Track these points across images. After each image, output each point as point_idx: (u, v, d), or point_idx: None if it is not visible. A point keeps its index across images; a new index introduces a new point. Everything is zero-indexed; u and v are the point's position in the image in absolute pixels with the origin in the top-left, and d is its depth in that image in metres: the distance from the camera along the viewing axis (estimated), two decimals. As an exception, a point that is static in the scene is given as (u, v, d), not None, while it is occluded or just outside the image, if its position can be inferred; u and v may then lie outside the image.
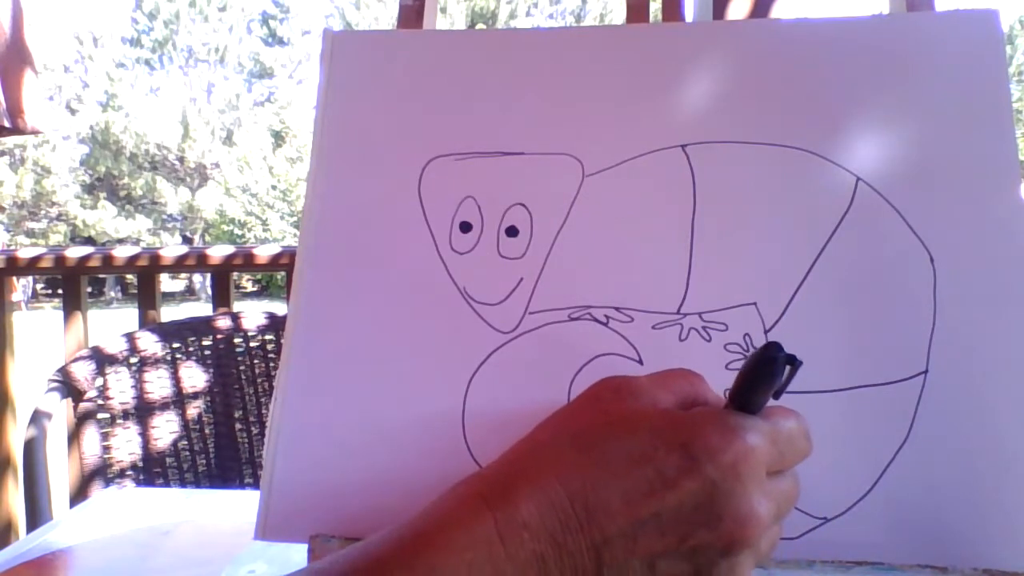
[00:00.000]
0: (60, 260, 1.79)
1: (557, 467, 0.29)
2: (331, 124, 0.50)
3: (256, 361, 1.22)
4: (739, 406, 0.31)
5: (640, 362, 0.44)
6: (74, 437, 1.14)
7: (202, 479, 1.14)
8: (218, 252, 1.80)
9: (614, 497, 0.28)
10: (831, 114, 0.46)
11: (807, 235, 0.44)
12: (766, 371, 0.29)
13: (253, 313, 1.24)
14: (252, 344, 1.22)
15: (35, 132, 1.58)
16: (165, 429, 1.10)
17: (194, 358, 1.15)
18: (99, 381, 1.03)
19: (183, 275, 20.98)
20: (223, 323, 1.21)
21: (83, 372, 1.01)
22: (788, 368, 0.30)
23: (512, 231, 0.46)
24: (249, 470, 1.19)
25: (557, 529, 0.28)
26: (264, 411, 1.21)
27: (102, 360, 1.04)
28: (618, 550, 0.28)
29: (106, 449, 1.02)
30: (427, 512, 0.29)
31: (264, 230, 21.79)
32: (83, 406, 1.01)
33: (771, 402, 0.32)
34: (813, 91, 0.46)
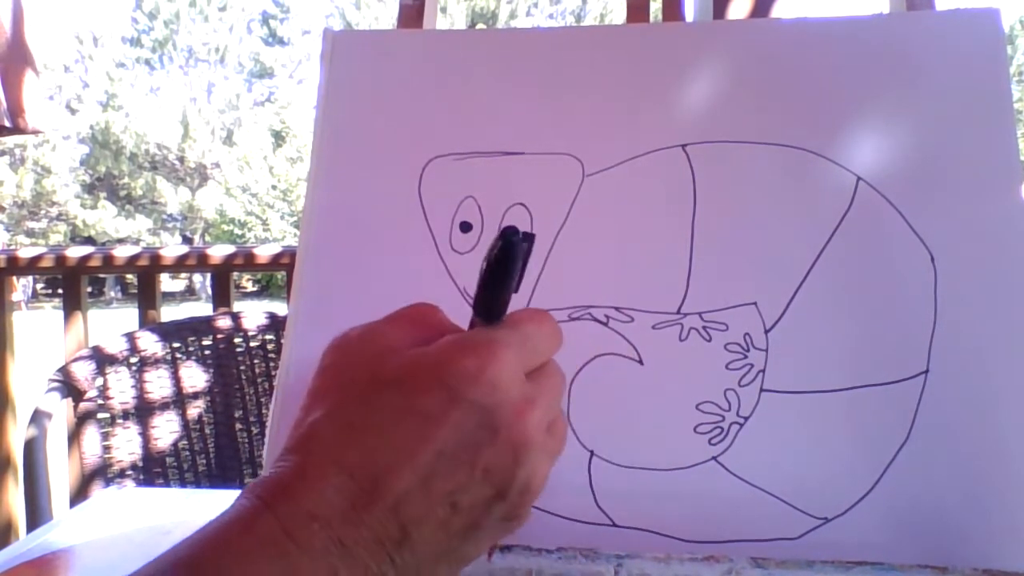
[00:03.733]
0: (60, 260, 1.79)
1: (328, 451, 0.28)
2: (331, 124, 0.50)
3: (256, 361, 1.22)
4: (483, 314, 0.31)
5: (640, 362, 0.44)
6: (74, 437, 1.14)
7: (202, 479, 1.14)
8: (218, 252, 1.80)
9: (393, 456, 0.28)
10: (831, 114, 0.46)
11: (807, 235, 0.44)
12: (510, 256, 0.29)
13: (253, 313, 1.24)
14: (252, 344, 1.22)
15: (35, 132, 1.58)
16: (165, 429, 1.10)
17: (194, 358, 1.15)
18: (99, 381, 1.03)
19: (183, 275, 20.98)
20: (223, 323, 1.21)
21: (83, 372, 1.01)
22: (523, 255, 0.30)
23: (512, 231, 0.46)
24: (249, 470, 1.19)
25: (348, 508, 0.27)
26: (264, 411, 1.21)
27: (102, 360, 1.04)
28: (415, 503, 0.28)
29: (106, 449, 1.02)
30: (206, 526, 0.28)
31: (264, 230, 21.79)
32: (83, 406, 1.01)
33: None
34: (813, 91, 0.46)
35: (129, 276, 6.03)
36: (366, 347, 0.31)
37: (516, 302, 0.31)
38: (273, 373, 1.22)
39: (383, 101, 0.50)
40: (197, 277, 20.61)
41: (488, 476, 0.29)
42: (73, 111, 22.48)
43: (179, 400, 1.12)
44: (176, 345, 1.14)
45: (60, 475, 1.36)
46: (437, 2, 0.66)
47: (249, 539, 0.26)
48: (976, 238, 0.43)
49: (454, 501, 0.28)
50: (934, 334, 0.42)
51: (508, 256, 0.29)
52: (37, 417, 0.93)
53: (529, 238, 0.29)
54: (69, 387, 1.00)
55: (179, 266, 1.83)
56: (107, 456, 1.02)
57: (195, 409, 1.14)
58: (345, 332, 0.32)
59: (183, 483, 1.11)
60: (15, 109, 1.51)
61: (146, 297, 1.84)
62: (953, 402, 0.41)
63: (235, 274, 1.93)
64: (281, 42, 25.79)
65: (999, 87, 0.45)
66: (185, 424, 1.12)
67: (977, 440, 0.40)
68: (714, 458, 0.42)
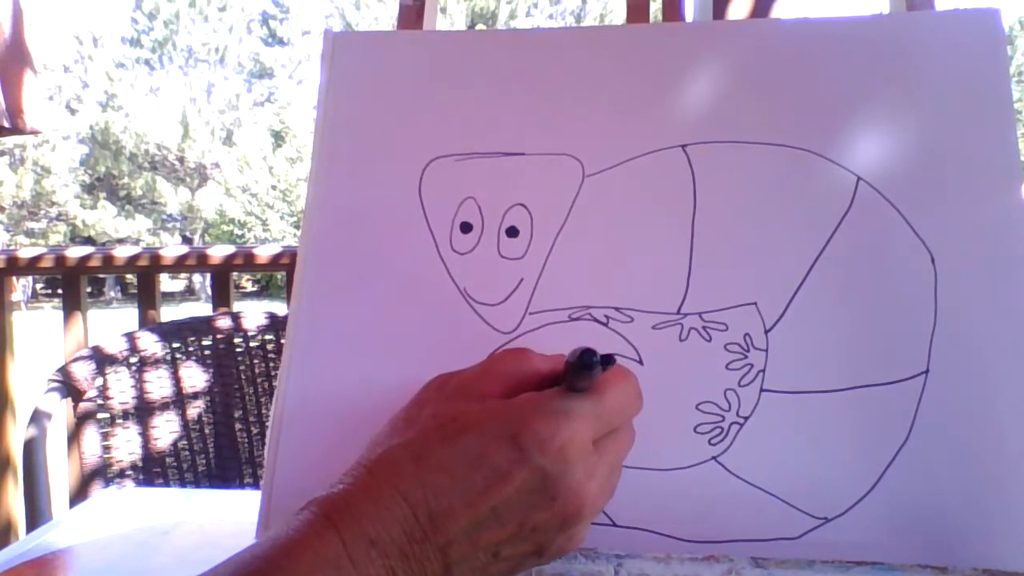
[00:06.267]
0: (60, 260, 1.79)
1: (397, 480, 0.30)
2: (332, 124, 0.50)
3: (256, 361, 1.22)
4: (569, 388, 0.32)
5: (640, 362, 0.44)
6: (74, 437, 1.14)
7: (202, 479, 1.14)
8: (218, 252, 1.80)
9: (455, 500, 0.29)
10: (831, 114, 0.46)
11: (808, 235, 0.44)
12: (585, 372, 0.31)
13: (253, 313, 1.24)
14: (252, 344, 1.22)
15: (35, 132, 1.58)
16: (165, 429, 1.10)
17: (194, 358, 1.15)
18: (99, 381, 1.03)
19: (183, 275, 20.98)
20: (223, 323, 1.21)
21: (83, 372, 1.01)
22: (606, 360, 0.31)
23: (512, 231, 0.46)
24: (249, 470, 1.19)
25: (404, 541, 0.29)
26: (264, 411, 1.21)
27: (102, 360, 1.04)
28: (463, 547, 0.29)
29: (106, 449, 1.02)
30: (273, 538, 0.29)
31: (264, 230, 21.79)
32: (83, 406, 1.01)
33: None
34: (813, 91, 0.46)
35: (129, 276, 6.04)
36: (460, 392, 0.33)
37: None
38: (273, 373, 1.22)
39: (383, 102, 0.50)
40: (197, 277, 20.61)
41: (534, 535, 0.30)
42: (73, 111, 22.48)
43: (179, 400, 1.12)
44: (176, 345, 1.13)
45: (60, 475, 1.36)
46: (437, 3, 0.66)
47: (313, 557, 0.28)
48: (976, 238, 0.43)
49: (497, 551, 0.30)
50: (934, 334, 0.42)
51: (584, 372, 0.31)
52: (37, 417, 0.93)
53: (609, 360, 0.31)
54: (69, 387, 1.00)
55: (179, 266, 1.83)
56: (107, 456, 1.02)
57: (195, 409, 1.14)
58: (448, 374, 0.35)
59: (183, 483, 1.11)
60: (14, 109, 1.51)
61: (146, 297, 1.84)
62: (953, 402, 0.41)
63: (235, 274, 1.93)
64: (281, 42, 25.79)
65: (999, 87, 0.45)
66: (185, 424, 1.12)
67: (977, 440, 0.40)
68: (714, 458, 0.42)
